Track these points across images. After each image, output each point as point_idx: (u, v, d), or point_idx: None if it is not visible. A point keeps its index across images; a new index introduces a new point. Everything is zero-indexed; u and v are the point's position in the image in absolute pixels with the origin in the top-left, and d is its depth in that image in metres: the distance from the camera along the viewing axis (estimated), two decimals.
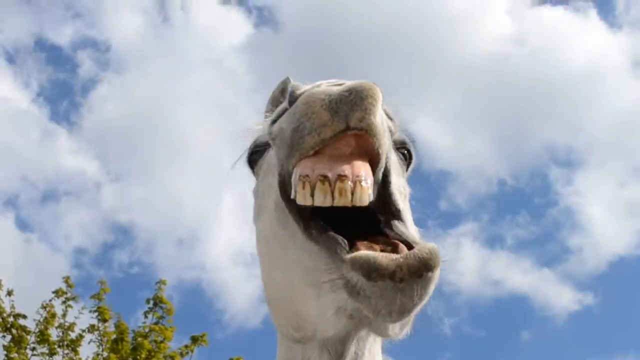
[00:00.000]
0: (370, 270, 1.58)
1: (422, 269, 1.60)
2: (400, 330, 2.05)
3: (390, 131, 2.20)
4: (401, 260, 1.58)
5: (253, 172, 2.40)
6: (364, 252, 1.61)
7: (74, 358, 16.64)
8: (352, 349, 2.05)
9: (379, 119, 1.70)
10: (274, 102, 2.75)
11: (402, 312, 1.65)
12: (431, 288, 1.66)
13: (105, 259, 26.56)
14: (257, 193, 2.27)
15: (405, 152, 2.39)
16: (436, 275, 1.65)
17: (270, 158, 2.12)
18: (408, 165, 2.43)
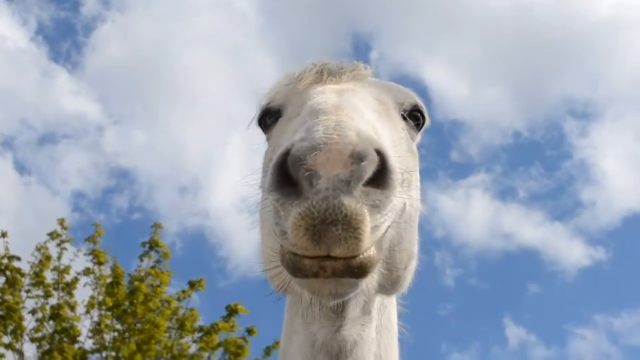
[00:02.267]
0: (295, 271, 1.68)
1: (346, 273, 1.66)
2: (391, 287, 2.16)
3: (400, 103, 2.34)
4: (326, 264, 1.64)
5: (265, 133, 2.42)
6: (288, 252, 1.68)
7: (69, 301, 16.55)
8: (355, 299, 2.11)
9: (366, 243, 1.65)
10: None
11: (337, 296, 1.77)
12: (367, 276, 1.72)
13: (106, 204, 26.24)
14: (264, 161, 2.28)
15: (418, 114, 2.40)
16: (370, 273, 1.71)
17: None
18: (421, 126, 2.43)
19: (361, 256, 1.65)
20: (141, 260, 16.99)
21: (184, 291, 16.79)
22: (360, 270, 1.66)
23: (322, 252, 1.61)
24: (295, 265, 1.66)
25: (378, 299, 2.26)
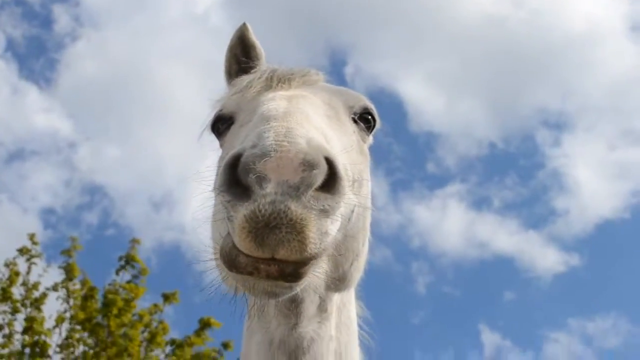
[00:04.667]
0: (231, 267, 1.70)
1: (279, 277, 1.68)
2: (338, 284, 2.18)
3: (350, 106, 2.37)
4: (261, 266, 1.65)
5: (218, 139, 2.44)
6: (228, 246, 1.70)
7: (38, 316, 16.25)
8: (310, 297, 2.15)
9: (311, 247, 1.65)
10: (232, 51, 2.78)
11: (271, 295, 1.77)
12: (300, 281, 1.73)
13: (80, 220, 25.70)
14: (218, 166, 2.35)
15: (369, 116, 2.44)
16: (305, 278, 1.73)
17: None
18: (372, 128, 2.47)
19: (298, 264, 1.67)
20: (117, 274, 16.78)
21: (155, 305, 16.60)
22: (292, 277, 1.68)
23: (266, 254, 1.63)
24: (232, 261, 1.68)
25: (336, 297, 2.29)
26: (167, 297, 16.59)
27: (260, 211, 1.60)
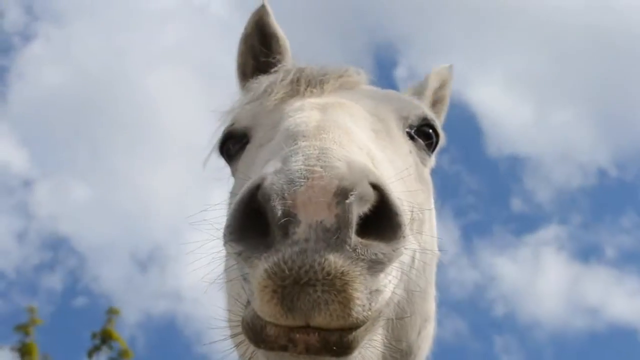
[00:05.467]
0: (258, 341, 1.49)
1: (323, 351, 1.45)
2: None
3: (404, 117, 2.11)
4: (297, 336, 1.43)
5: (229, 165, 2.23)
6: (251, 315, 1.48)
7: None
8: None
9: (357, 310, 1.40)
10: (247, 42, 2.55)
11: None
12: (350, 356, 1.49)
13: (39, 286, 21.44)
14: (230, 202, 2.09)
15: (429, 130, 2.19)
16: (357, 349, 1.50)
17: None
18: (434, 146, 2.22)
19: (343, 331, 1.41)
20: (89, 357, 14.16)
21: None
22: (340, 349, 1.43)
23: (298, 322, 1.40)
24: (257, 334, 1.45)
25: None
26: None
27: (286, 262, 1.35)
